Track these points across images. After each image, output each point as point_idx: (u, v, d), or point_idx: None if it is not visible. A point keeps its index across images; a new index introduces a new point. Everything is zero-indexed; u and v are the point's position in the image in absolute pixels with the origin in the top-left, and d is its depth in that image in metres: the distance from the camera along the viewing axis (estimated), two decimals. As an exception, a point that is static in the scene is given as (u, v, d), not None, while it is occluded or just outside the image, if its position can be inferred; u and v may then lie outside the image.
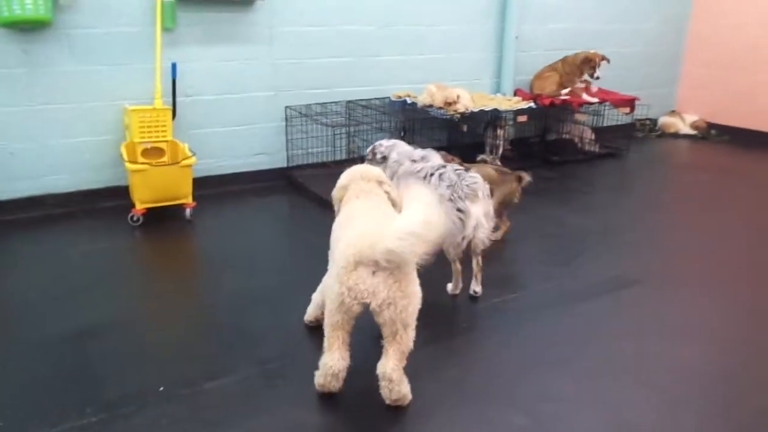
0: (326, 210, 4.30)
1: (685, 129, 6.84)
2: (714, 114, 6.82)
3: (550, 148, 5.85)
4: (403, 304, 2.09)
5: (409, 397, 2.22)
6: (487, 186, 2.97)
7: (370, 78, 5.09)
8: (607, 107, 5.97)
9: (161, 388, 2.32)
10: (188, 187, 3.97)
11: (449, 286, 3.09)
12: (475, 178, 2.93)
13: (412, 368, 2.22)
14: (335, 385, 2.23)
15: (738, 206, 4.47)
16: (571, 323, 2.85)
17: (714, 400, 2.34)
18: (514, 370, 2.49)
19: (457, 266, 3.03)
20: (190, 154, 3.94)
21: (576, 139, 5.97)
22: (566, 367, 2.51)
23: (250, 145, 4.72)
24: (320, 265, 3.39)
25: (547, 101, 5.44)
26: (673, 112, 7.08)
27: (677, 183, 5.29)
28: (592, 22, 6.23)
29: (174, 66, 4.18)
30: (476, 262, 3.03)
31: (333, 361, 2.19)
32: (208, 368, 2.45)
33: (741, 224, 4.17)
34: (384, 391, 2.17)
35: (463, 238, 2.87)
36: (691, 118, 6.92)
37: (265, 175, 4.80)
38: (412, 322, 2.15)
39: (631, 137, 6.43)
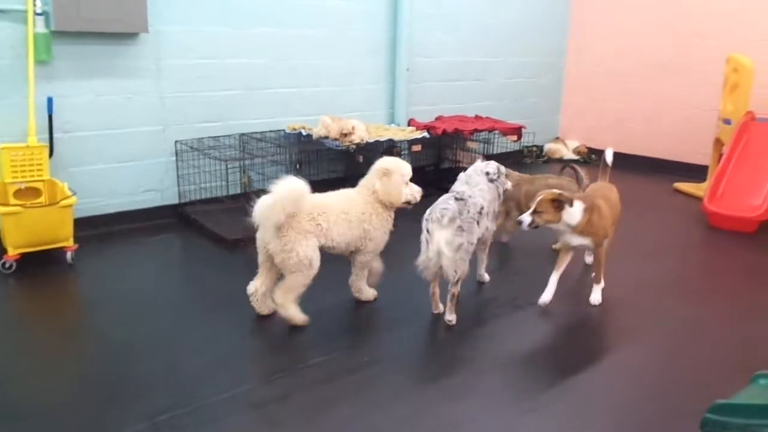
0: (221, 246, 4.18)
1: (569, 154, 7.25)
2: (592, 140, 7.30)
3: (445, 176, 5.98)
4: (282, 257, 2.88)
5: (297, 318, 2.97)
6: (469, 215, 3.00)
7: (263, 110, 5.02)
8: (496, 135, 6.22)
9: (37, 453, 2.11)
10: (68, 229, 3.70)
11: (432, 306, 3.21)
12: (447, 204, 2.97)
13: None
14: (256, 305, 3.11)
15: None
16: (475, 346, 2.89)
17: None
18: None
19: (433, 289, 3.16)
20: (69, 193, 3.69)
21: (468, 167, 6.15)
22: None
23: (137, 182, 4.50)
24: (216, 303, 3.28)
25: (440, 131, 5.58)
26: (557, 139, 7.50)
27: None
28: (479, 56, 6.51)
29: (50, 101, 3.93)
30: (451, 293, 3.05)
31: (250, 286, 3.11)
32: (90, 426, 2.25)
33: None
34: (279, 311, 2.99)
35: (429, 259, 2.92)
36: (573, 144, 7.36)
37: (154, 212, 4.58)
38: (297, 271, 2.90)
39: (520, 163, 6.74)
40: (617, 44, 6.92)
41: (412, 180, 3.23)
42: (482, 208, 3.15)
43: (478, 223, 3.09)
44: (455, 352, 2.86)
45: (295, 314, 2.97)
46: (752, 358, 2.81)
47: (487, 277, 3.66)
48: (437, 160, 6.22)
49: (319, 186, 4.70)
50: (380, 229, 3.15)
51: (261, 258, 3.03)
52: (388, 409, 2.38)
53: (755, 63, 5.10)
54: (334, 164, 5.32)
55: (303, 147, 4.98)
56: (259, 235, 2.95)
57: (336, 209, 3.01)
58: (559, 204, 3.08)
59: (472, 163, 6.04)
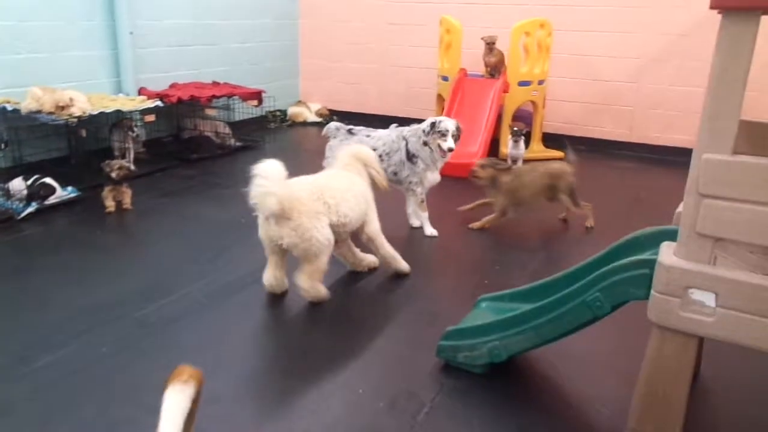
0: None
1: (312, 117, 7.39)
2: (333, 102, 7.55)
3: (186, 146, 5.71)
4: (303, 247, 2.78)
5: (324, 294, 2.95)
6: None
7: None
8: (236, 101, 6.08)
9: None
10: None
11: None
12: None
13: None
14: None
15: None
16: (223, 319, 2.82)
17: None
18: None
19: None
20: None
21: (212, 135, 5.95)
22: (224, 370, 2.45)
23: None
24: None
25: (174, 99, 5.27)
26: (299, 102, 7.59)
27: (313, 166, 5.67)
28: (209, 18, 6.24)
29: None
30: None
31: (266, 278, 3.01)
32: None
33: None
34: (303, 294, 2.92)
35: None
36: (315, 106, 7.52)
37: None
38: (321, 253, 2.83)
39: (265, 128, 6.71)
40: (346, 7, 7.17)
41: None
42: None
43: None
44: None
45: (324, 292, 2.96)
46: (477, 287, 3.19)
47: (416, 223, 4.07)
48: (176, 131, 5.90)
49: (37, 168, 4.23)
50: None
51: (268, 250, 2.94)
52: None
53: (463, 25, 5.67)
54: (54, 141, 4.73)
55: (11, 123, 4.32)
56: (264, 231, 2.84)
57: (337, 185, 2.99)
58: None
59: (213, 131, 5.93)
